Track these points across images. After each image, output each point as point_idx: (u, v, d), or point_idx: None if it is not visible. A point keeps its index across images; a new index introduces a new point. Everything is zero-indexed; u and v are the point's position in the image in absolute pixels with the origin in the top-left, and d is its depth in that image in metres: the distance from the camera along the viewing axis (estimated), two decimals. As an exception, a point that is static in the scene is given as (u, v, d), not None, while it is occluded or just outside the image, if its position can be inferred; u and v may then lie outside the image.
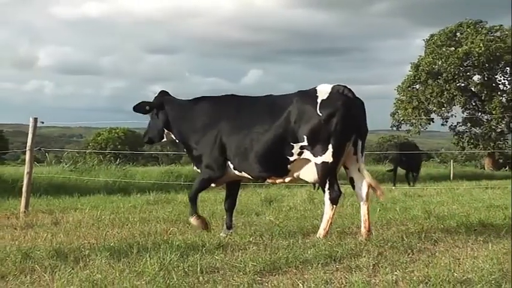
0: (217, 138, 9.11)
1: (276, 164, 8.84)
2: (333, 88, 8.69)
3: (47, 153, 27.66)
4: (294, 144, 8.64)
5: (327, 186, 8.65)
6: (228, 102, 9.58)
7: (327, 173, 8.61)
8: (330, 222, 8.76)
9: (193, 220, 9.31)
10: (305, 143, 8.56)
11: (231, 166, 9.10)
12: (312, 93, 8.72)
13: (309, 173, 8.86)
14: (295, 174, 8.98)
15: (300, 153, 8.68)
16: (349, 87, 8.77)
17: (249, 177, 9.20)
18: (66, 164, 22.29)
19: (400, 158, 27.98)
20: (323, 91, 8.66)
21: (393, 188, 22.96)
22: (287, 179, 9.13)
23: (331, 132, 8.43)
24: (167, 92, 10.01)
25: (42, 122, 13.21)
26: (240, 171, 9.13)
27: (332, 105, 8.49)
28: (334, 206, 8.72)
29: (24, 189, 12.61)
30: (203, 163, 9.29)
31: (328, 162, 8.52)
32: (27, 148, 12.87)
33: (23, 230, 9.81)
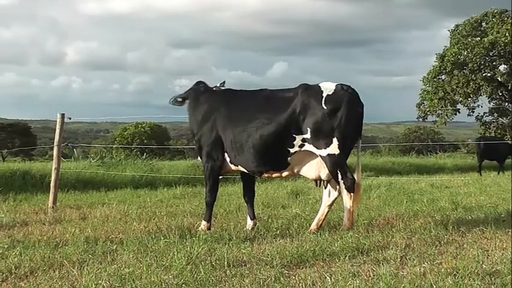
0: (214, 131, 9.22)
1: (276, 156, 8.88)
2: (337, 86, 8.82)
3: (74, 149, 27.82)
4: (296, 136, 8.73)
5: (340, 177, 8.73)
6: (231, 95, 9.65)
7: (336, 165, 8.69)
8: (352, 211, 8.77)
9: (204, 226, 9.18)
10: (308, 135, 8.66)
11: (228, 159, 9.19)
12: (316, 88, 8.83)
13: (310, 168, 8.96)
14: (295, 169, 9.02)
15: (301, 146, 8.76)
16: (352, 87, 8.92)
17: (245, 170, 9.23)
18: (93, 159, 22.37)
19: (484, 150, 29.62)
20: (327, 87, 8.80)
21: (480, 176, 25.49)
22: (285, 173, 9.15)
23: (336, 126, 8.57)
24: (202, 82, 9.97)
25: (70, 118, 13.26)
26: (237, 165, 9.19)
27: (337, 100, 8.66)
28: (352, 194, 8.74)
29: (52, 184, 12.67)
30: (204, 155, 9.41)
31: (334, 154, 8.62)
32: (55, 144, 12.95)
33: (51, 225, 9.88)
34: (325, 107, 8.56)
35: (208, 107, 9.45)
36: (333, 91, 8.70)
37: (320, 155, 8.68)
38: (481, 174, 27.17)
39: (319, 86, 8.83)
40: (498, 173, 28.05)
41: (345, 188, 8.71)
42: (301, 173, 9.08)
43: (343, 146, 8.66)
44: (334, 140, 8.56)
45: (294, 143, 8.72)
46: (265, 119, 8.83)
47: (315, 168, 8.88)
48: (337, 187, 8.95)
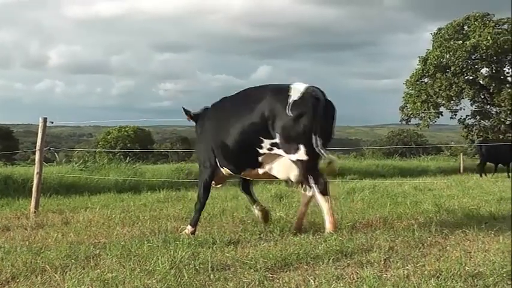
0: (207, 140, 9.41)
1: (246, 156, 8.89)
2: (306, 89, 8.63)
3: (57, 153, 27.73)
4: (265, 140, 8.66)
5: (312, 181, 8.64)
6: (222, 101, 9.74)
7: (306, 170, 8.60)
8: (331, 213, 8.73)
9: (188, 230, 9.10)
10: (277, 140, 8.59)
11: (218, 163, 9.29)
12: (285, 92, 8.67)
13: (280, 170, 8.88)
14: (267, 167, 8.96)
15: (270, 149, 8.72)
16: (321, 89, 8.76)
17: (230, 172, 9.30)
18: (76, 163, 22.31)
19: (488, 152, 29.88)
20: (295, 92, 8.60)
21: (480, 177, 26.17)
22: (261, 171, 9.10)
23: (302, 132, 8.44)
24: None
25: (52, 122, 13.22)
26: (222, 167, 9.25)
27: (303, 105, 8.47)
28: (327, 196, 8.66)
29: (34, 189, 12.62)
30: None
31: (303, 160, 8.52)
32: (37, 148, 12.90)
33: (34, 230, 9.83)
34: (291, 114, 8.42)
35: (204, 121, 9.70)
36: (298, 96, 8.55)
37: (291, 160, 8.65)
38: (481, 176, 27.50)
39: (289, 89, 8.68)
40: (508, 175, 28.35)
41: (319, 192, 8.63)
42: (272, 172, 9.04)
43: (311, 152, 8.49)
44: (302, 146, 8.45)
45: (263, 145, 8.68)
46: (236, 120, 8.89)
47: (284, 170, 8.83)
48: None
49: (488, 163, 30.38)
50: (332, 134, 8.95)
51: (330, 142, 8.95)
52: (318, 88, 8.72)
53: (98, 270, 6.45)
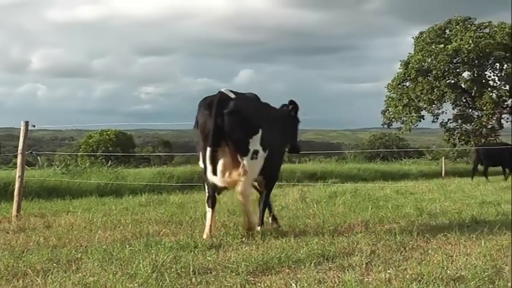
0: None
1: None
2: (204, 99, 9.06)
3: (38, 157, 27.59)
4: None
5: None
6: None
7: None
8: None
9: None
10: None
11: None
12: (206, 99, 9.08)
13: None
14: None
15: None
16: (229, 93, 8.96)
17: None
18: (58, 167, 22.23)
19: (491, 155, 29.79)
20: (208, 98, 8.99)
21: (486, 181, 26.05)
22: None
23: (197, 141, 9.14)
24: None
25: (34, 126, 13.15)
26: None
27: (198, 113, 9.06)
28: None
29: (16, 192, 12.55)
30: None
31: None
32: (19, 152, 12.83)
33: (15, 233, 9.77)
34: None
35: None
36: (204, 102, 9.02)
37: None
38: (487, 178, 27.67)
39: (209, 97, 9.09)
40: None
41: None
42: None
43: (201, 158, 8.99)
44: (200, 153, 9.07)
45: None
46: None
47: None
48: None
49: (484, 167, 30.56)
50: (211, 139, 8.75)
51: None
52: (219, 93, 8.90)
53: (80, 274, 6.44)
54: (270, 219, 10.12)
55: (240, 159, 8.73)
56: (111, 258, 7.27)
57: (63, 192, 16.97)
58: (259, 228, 9.40)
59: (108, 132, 71.58)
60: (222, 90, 8.98)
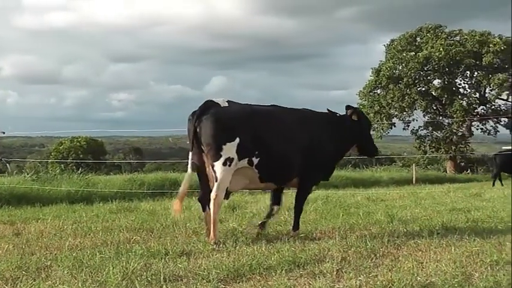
0: None
1: None
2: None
3: (8, 164, 27.37)
4: None
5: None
6: None
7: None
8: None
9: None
10: None
11: None
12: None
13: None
14: None
15: None
16: (222, 103, 9.22)
17: None
18: (28, 174, 22.02)
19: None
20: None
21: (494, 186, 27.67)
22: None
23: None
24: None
25: (4, 132, 13.10)
26: None
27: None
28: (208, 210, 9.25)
29: (-16, 200, 12.44)
30: None
31: None
32: (-12, 158, 12.73)
33: (-16, 241, 9.67)
34: None
35: None
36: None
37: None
38: (493, 185, 28.14)
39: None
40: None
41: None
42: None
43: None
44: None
45: None
46: None
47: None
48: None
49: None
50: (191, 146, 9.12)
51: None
52: (205, 102, 9.17)
53: (49, 282, 6.39)
54: (257, 222, 10.29)
55: (211, 164, 8.91)
56: (81, 265, 7.21)
57: (33, 199, 16.81)
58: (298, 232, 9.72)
59: (79, 139, 71.09)
60: (218, 99, 9.22)
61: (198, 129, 8.95)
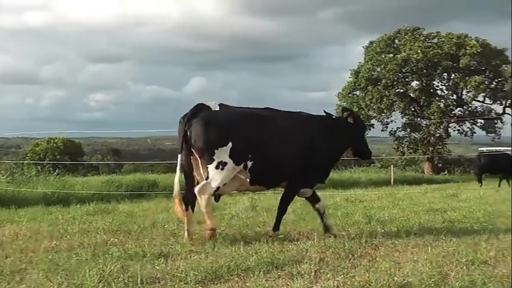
0: None
1: None
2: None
3: (-17, 165, 27.19)
4: None
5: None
6: None
7: None
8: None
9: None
10: None
11: None
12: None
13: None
14: None
15: None
16: (214, 106, 9.30)
17: None
18: (3, 176, 21.83)
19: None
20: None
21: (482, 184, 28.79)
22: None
23: None
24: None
25: (-22, 134, 12.95)
26: None
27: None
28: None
29: (-41, 202, 12.32)
30: None
31: None
32: (-38, 160, 12.61)
33: (-42, 244, 9.57)
34: None
35: None
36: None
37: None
38: (481, 184, 29.27)
39: None
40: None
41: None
42: None
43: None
44: None
45: None
46: None
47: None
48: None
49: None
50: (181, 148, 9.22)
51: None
52: (196, 105, 9.24)
53: (24, 285, 6.33)
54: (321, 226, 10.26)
55: (205, 166, 9.07)
56: (57, 268, 7.15)
57: (8, 201, 16.65)
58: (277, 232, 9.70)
59: (56, 140, 70.61)
60: (209, 103, 9.28)
61: (188, 133, 9.00)
